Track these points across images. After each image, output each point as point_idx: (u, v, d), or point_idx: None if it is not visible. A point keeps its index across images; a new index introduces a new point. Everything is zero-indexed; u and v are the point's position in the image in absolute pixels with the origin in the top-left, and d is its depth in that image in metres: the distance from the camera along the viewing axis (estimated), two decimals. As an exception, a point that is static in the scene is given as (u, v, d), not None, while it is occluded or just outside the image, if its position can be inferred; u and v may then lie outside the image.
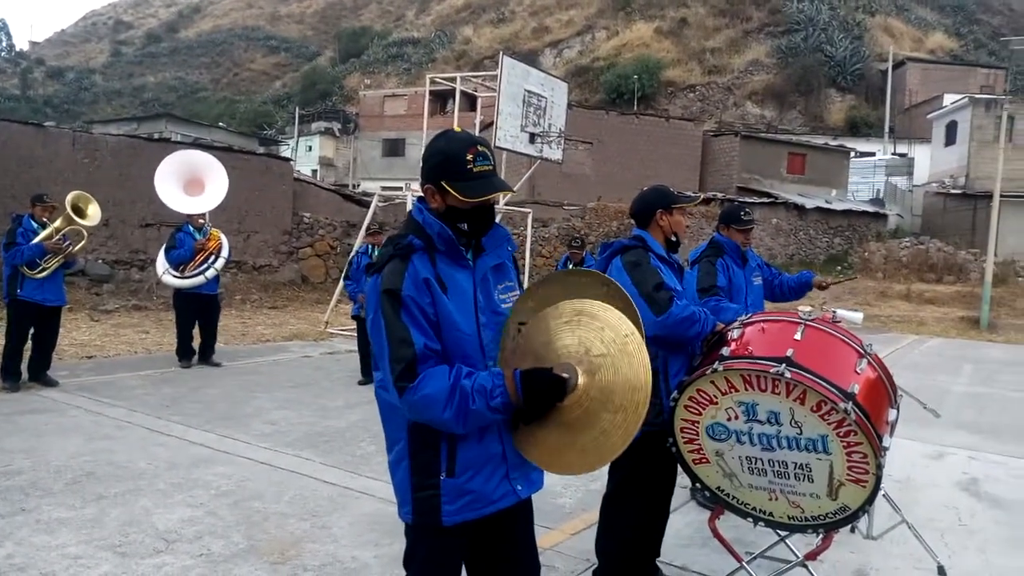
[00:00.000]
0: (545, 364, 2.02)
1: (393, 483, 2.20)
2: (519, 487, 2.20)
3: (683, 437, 3.12)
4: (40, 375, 7.07)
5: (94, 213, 6.94)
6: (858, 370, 2.89)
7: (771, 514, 3.09)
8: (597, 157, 27.93)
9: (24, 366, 7.06)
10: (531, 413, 2.01)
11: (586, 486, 5.02)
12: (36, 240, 6.70)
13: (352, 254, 9.16)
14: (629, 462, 3.34)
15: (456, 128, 2.18)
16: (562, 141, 12.30)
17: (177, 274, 8.24)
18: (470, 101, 25.47)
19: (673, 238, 3.42)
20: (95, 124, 39.36)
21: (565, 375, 1.98)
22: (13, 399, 6.58)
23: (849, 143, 35.54)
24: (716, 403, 2.97)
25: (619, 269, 3.32)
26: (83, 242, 6.98)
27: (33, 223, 6.88)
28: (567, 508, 4.66)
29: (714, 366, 2.92)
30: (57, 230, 6.76)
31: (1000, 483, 5.69)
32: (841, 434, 2.76)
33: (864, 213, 29.34)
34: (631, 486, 3.35)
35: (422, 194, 2.17)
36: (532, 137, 11.61)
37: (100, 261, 13.21)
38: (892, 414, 2.96)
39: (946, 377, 11.05)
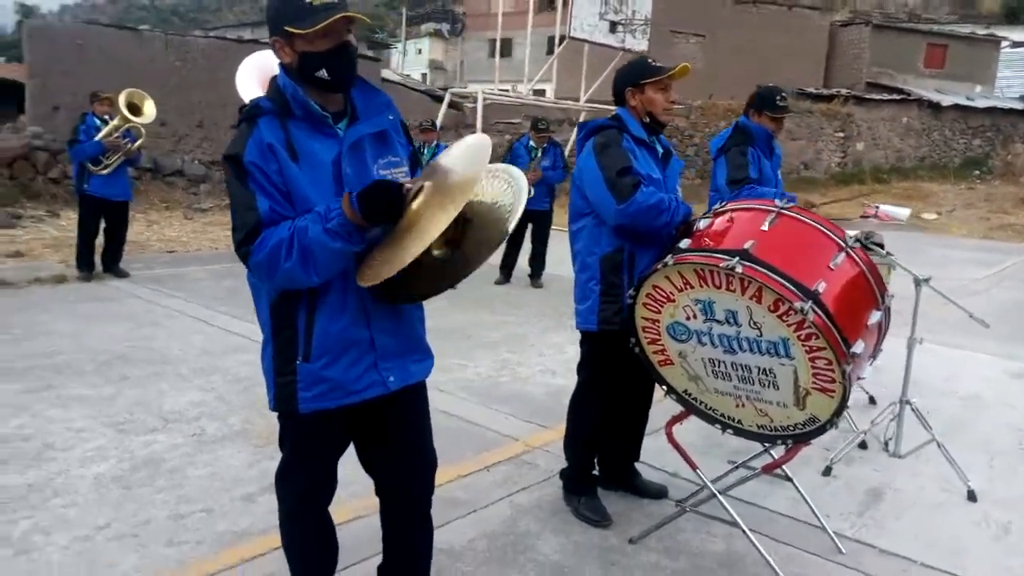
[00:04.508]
0: None
1: (262, 369, 2.10)
2: (390, 378, 2.05)
3: (646, 337, 2.87)
4: (112, 266, 7.50)
5: (150, 111, 7.11)
6: (832, 265, 2.51)
7: (740, 422, 2.82)
8: (709, 51, 26.20)
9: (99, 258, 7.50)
10: (372, 221, 1.82)
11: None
12: (97, 138, 6.97)
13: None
14: (590, 362, 3.16)
15: None
16: (647, 29, 11.47)
17: None
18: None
19: (646, 119, 3.05)
20: (217, 30, 40.53)
21: (405, 184, 1.85)
22: (83, 288, 7.03)
23: (1001, 32, 31.59)
24: (674, 300, 2.69)
25: (588, 152, 3.02)
26: (140, 140, 7.19)
27: (96, 120, 7.15)
28: (573, 409, 4.51)
29: (665, 260, 2.63)
30: (116, 128, 6.99)
31: (1086, 407, 5.07)
32: (802, 337, 2.43)
33: (1011, 111, 26.26)
34: (592, 387, 3.15)
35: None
36: (613, 26, 10.88)
37: (196, 162, 13.76)
38: (874, 316, 2.57)
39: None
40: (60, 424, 3.88)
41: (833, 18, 29.85)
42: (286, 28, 1.86)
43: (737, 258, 2.44)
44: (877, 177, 23.00)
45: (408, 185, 1.86)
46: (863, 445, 4.09)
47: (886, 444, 4.08)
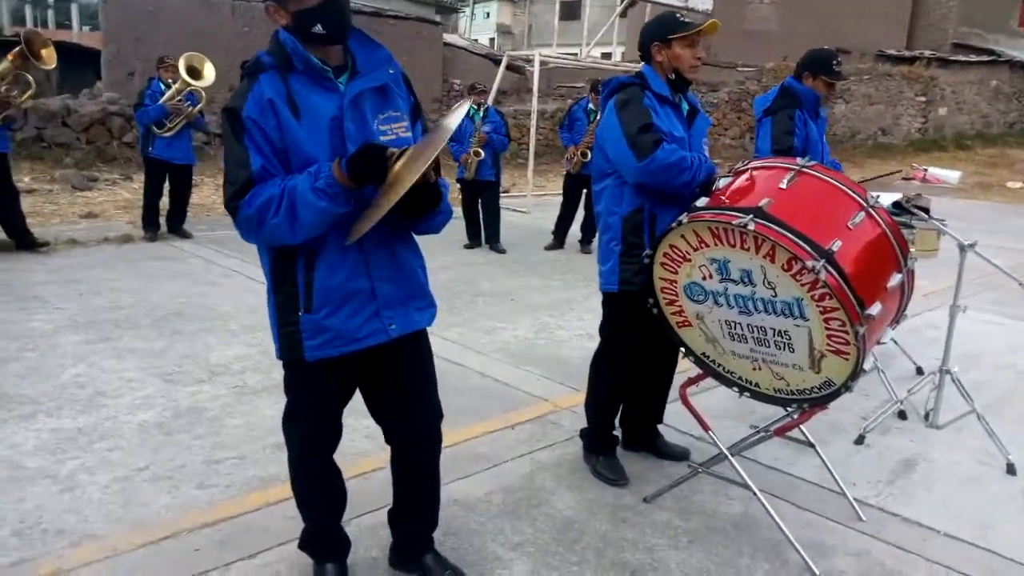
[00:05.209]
0: None
1: (268, 320, 2.20)
2: (392, 326, 2.12)
3: (664, 298, 2.85)
4: (175, 227, 7.80)
5: (209, 74, 7.29)
6: (850, 225, 2.44)
7: (757, 385, 2.79)
8: (784, 11, 25.21)
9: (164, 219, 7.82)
10: (357, 181, 1.88)
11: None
12: (160, 102, 7.22)
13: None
14: (611, 323, 3.16)
15: None
16: (712, -11, 11.11)
17: None
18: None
19: (672, 75, 2.99)
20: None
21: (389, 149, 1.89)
22: (148, 247, 7.34)
23: (1109, -15, 29.29)
24: (690, 260, 2.66)
25: (610, 110, 2.99)
26: (201, 103, 7.41)
27: (161, 84, 7.40)
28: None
29: (680, 218, 2.60)
30: (177, 92, 7.22)
31: None
32: (816, 297, 2.37)
33: (1116, 71, 24.50)
34: (612, 347, 3.16)
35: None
36: (675, -14, 10.57)
37: (263, 128, 14.07)
38: (895, 279, 2.49)
39: None
40: (113, 374, 4.11)
41: (919, -25, 28.20)
42: None
43: (751, 216, 2.39)
44: (960, 143, 21.85)
45: (393, 149, 1.89)
46: (903, 415, 3.97)
47: (926, 415, 3.96)
